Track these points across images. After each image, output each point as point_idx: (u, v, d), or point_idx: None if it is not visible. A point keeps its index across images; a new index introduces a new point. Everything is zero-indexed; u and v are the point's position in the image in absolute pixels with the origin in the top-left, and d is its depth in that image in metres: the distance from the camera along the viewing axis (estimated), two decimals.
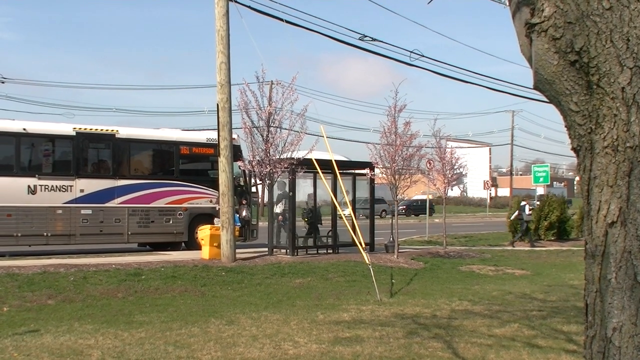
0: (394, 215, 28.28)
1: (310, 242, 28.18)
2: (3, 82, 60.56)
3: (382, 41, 25.06)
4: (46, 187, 25.55)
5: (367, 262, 19.52)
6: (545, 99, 3.99)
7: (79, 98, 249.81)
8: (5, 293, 17.72)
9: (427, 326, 14.63)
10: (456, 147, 36.79)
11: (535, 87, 3.96)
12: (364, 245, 20.81)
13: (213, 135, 27.10)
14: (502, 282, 23.46)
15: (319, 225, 28.72)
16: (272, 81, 39.46)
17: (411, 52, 24.54)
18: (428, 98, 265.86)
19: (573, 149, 3.88)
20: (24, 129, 25.71)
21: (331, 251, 27.68)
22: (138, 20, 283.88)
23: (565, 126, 3.89)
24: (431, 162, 34.40)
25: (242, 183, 29.67)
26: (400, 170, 26.43)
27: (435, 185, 34.19)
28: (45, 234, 25.54)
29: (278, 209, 26.80)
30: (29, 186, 25.08)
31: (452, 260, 28.66)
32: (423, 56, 24.92)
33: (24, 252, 25.33)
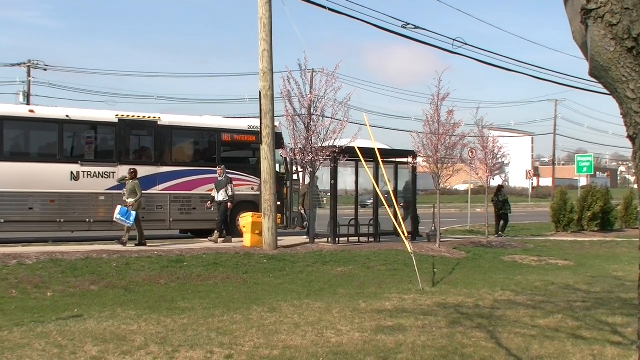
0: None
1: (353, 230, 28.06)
2: (45, 70, 61.15)
3: (425, 29, 24.92)
4: (89, 173, 25.72)
5: (410, 251, 19.46)
6: (591, 88, 3.95)
7: (121, 85, 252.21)
8: (49, 278, 17.87)
9: (470, 316, 14.55)
10: (498, 137, 36.36)
11: (591, 74, 3.89)
12: (406, 234, 20.71)
13: (255, 122, 27.12)
14: (545, 272, 23.28)
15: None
16: (313, 69, 39.34)
17: (454, 40, 24.41)
18: (470, 86, 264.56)
19: (629, 136, 3.81)
20: (67, 116, 25.90)
21: (372, 240, 27.62)
22: (181, 7, 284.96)
23: (621, 114, 3.82)
24: (473, 151, 34.15)
25: (283, 171, 29.65)
26: (442, 159, 26.30)
27: (477, 174, 33.97)
28: (87, 220, 25.72)
29: (220, 197, 25.92)
30: (72, 172, 25.26)
31: (494, 250, 28.49)
32: (466, 44, 24.78)
33: (67, 238, 25.50)
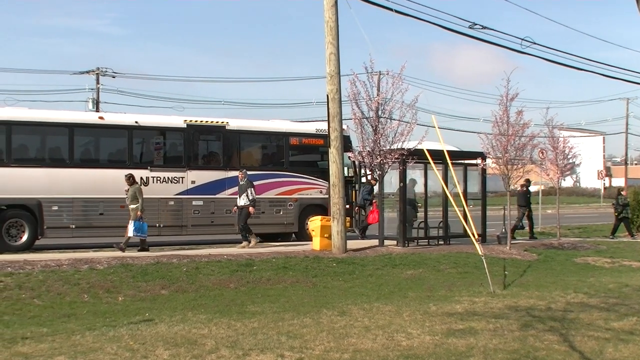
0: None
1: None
2: (114, 77, 61.99)
3: (492, 29, 24.76)
4: (158, 178, 25.91)
5: (480, 253, 19.26)
6: None
7: (188, 91, 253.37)
8: (120, 283, 18.07)
9: (542, 319, 14.36)
10: (568, 137, 35.85)
11: None
12: (476, 237, 20.50)
13: (322, 126, 27.08)
14: (618, 274, 22.89)
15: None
16: (379, 72, 39.18)
17: (522, 39, 24.24)
18: (539, 86, 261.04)
19: None
20: (136, 122, 26.14)
21: (442, 242, 27.41)
22: (246, 11, 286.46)
23: None
24: (544, 151, 33.75)
25: (352, 174, 29.56)
26: (512, 160, 26.02)
27: (548, 175, 33.57)
28: (157, 224, 25.80)
29: (242, 201, 25.12)
30: (141, 178, 25.36)
31: (566, 251, 28.11)
32: (535, 43, 24.54)
33: (137, 243, 25.70)
